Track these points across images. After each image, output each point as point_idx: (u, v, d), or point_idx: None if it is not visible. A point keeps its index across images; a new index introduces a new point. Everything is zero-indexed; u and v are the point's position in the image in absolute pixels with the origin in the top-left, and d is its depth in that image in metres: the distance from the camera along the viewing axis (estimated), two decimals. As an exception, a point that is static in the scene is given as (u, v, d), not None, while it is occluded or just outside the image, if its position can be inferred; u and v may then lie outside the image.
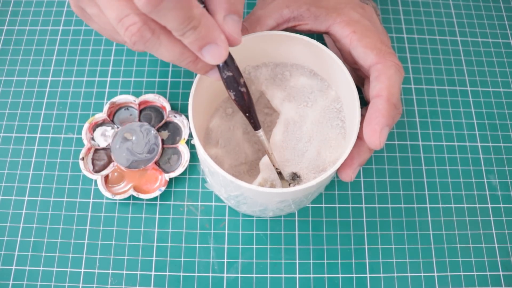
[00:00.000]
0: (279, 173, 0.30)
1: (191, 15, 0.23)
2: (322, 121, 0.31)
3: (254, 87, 0.34)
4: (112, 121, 0.39)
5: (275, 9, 0.32)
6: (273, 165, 0.30)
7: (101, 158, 0.38)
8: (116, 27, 0.24)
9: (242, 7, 0.26)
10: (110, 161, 0.38)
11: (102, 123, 0.39)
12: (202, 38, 0.24)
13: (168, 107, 0.39)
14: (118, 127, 0.39)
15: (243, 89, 0.27)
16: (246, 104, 0.28)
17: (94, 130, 0.39)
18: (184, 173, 0.38)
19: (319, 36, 0.41)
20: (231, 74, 0.26)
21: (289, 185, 0.30)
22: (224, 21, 0.25)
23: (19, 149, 0.39)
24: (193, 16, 0.23)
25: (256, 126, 0.29)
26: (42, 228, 0.36)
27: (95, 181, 0.38)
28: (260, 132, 0.29)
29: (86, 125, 0.39)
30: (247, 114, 0.28)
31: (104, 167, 0.38)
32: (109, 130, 0.39)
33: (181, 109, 0.40)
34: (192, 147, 0.38)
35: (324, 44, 0.31)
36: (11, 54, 0.43)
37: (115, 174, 0.38)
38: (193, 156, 0.38)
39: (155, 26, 0.23)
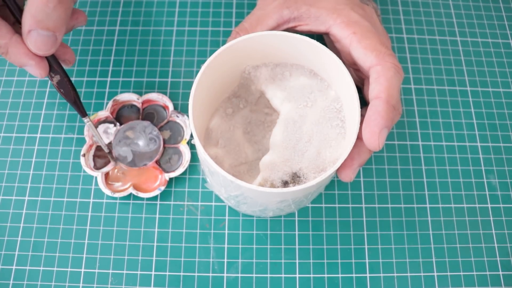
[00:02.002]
0: None
1: None
2: (322, 121, 0.31)
3: (254, 87, 0.34)
4: (115, 118, 0.39)
5: (275, 9, 0.32)
6: None
7: (102, 155, 0.38)
8: None
9: (56, 23, 0.28)
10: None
11: (105, 120, 0.39)
12: (15, 62, 0.29)
13: (171, 106, 0.39)
14: (120, 125, 0.39)
15: (52, 82, 0.32)
16: (62, 96, 0.33)
17: (96, 127, 0.39)
18: (184, 173, 0.38)
19: (319, 37, 0.41)
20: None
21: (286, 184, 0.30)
22: (27, 36, 0.28)
23: (19, 149, 0.39)
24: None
25: (82, 113, 0.34)
26: (42, 228, 0.36)
27: (95, 181, 0.38)
28: (86, 119, 0.34)
29: None
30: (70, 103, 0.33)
31: (105, 164, 0.38)
32: (111, 128, 0.39)
33: (182, 109, 0.40)
34: (192, 147, 0.39)
35: (324, 44, 0.31)
36: (11, 54, 0.43)
37: (115, 171, 0.38)
38: (194, 156, 0.38)
39: None
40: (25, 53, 0.29)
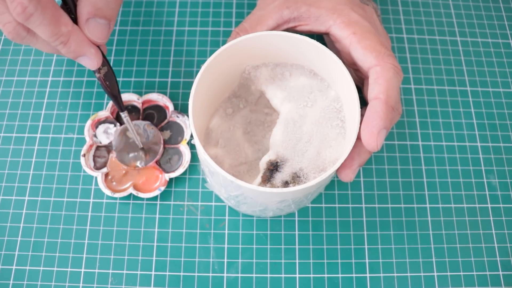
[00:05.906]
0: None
1: (58, 32, 0.27)
2: (322, 121, 0.31)
3: (254, 87, 0.34)
4: (115, 119, 0.39)
5: (276, 9, 0.32)
6: None
7: (103, 155, 0.38)
8: None
9: (113, 13, 0.29)
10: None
11: (105, 121, 0.39)
12: (73, 52, 0.28)
13: (171, 107, 0.39)
14: (120, 125, 0.39)
15: (98, 75, 0.31)
16: (105, 89, 0.32)
17: (96, 127, 0.39)
18: (184, 173, 0.38)
19: (319, 37, 0.41)
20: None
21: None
22: (86, 24, 0.28)
23: (19, 149, 0.39)
24: (61, 33, 0.27)
25: (120, 108, 0.34)
26: (42, 228, 0.36)
27: (95, 181, 0.38)
28: (124, 114, 0.34)
29: (89, 122, 0.39)
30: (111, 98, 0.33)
31: (105, 164, 0.38)
32: (111, 128, 0.39)
33: (181, 109, 0.40)
34: (192, 147, 0.39)
35: (324, 44, 0.31)
36: (12, 54, 0.43)
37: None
38: (194, 156, 0.38)
39: None
40: (86, 41, 0.28)
